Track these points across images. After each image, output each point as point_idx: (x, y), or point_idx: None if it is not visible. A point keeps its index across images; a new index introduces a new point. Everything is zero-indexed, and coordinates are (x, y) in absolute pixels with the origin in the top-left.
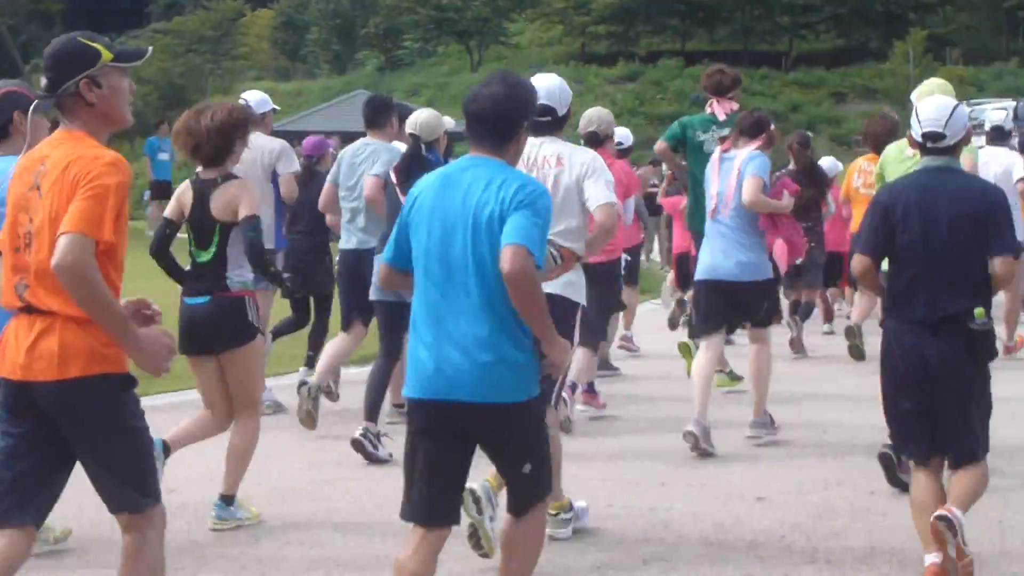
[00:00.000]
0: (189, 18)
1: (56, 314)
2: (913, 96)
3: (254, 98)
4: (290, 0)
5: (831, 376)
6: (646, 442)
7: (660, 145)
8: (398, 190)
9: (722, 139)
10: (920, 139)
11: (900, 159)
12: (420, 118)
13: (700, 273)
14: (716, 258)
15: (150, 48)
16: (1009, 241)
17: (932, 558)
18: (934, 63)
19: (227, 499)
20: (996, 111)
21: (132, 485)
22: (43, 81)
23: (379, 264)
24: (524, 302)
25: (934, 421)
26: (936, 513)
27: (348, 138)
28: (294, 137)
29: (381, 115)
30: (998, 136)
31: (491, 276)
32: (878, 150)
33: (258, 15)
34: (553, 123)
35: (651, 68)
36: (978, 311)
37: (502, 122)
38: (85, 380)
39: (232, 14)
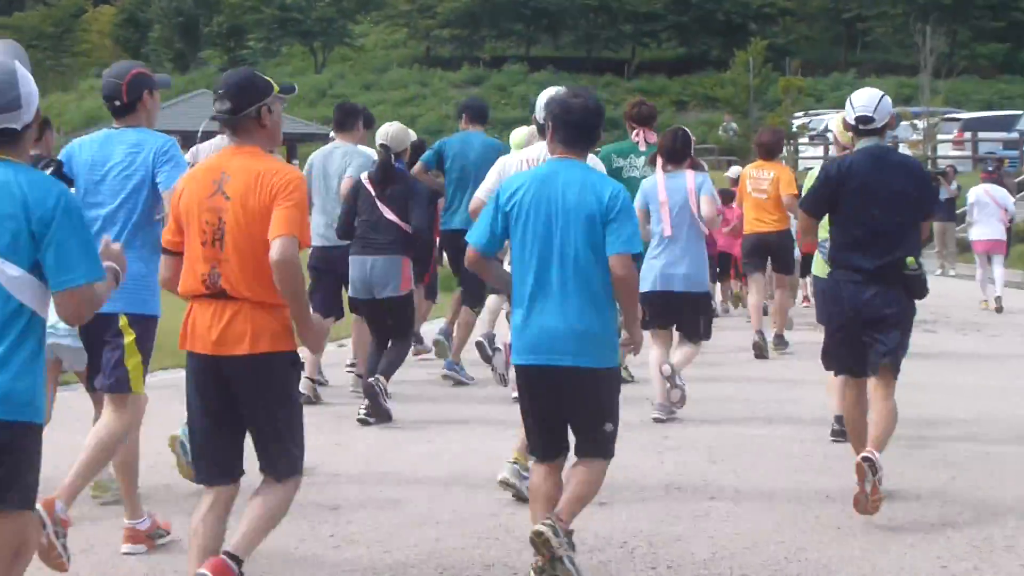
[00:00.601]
0: (30, 14)
1: (246, 299)
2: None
3: None
4: None
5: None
6: (488, 447)
7: None
8: (374, 195)
9: (654, 158)
10: (853, 122)
11: None
12: (390, 131)
13: (651, 285)
14: (670, 270)
15: (295, 85)
16: (933, 207)
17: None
18: (773, 73)
19: None
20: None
21: (290, 452)
22: (224, 104)
23: (469, 248)
24: (627, 298)
25: (869, 347)
26: (862, 455)
27: (189, 137)
28: None
29: (350, 119)
30: None
31: (587, 261)
32: (768, 157)
33: (100, 11)
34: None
35: (495, 73)
36: (909, 260)
37: (593, 130)
38: (271, 355)
39: (73, 10)
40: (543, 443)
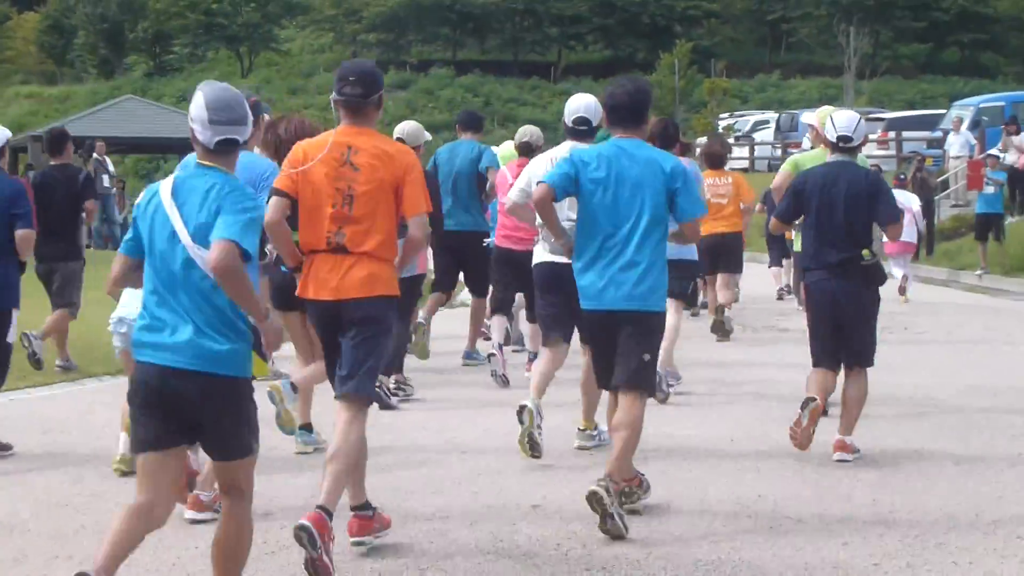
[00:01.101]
0: None
1: (364, 253)
2: (810, 118)
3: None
4: (57, 3)
5: None
6: (423, 452)
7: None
8: None
9: None
10: (835, 140)
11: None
12: (407, 128)
13: None
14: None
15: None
16: (893, 210)
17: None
18: (699, 75)
19: (306, 427)
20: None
21: (373, 377)
22: (355, 89)
23: (542, 185)
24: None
25: (841, 336)
26: (836, 457)
27: (114, 144)
28: None
29: None
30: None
31: (654, 222)
32: (715, 166)
33: (24, 18)
34: (589, 131)
35: (422, 77)
36: (864, 252)
37: (637, 109)
38: (384, 297)
39: None
40: (604, 370)
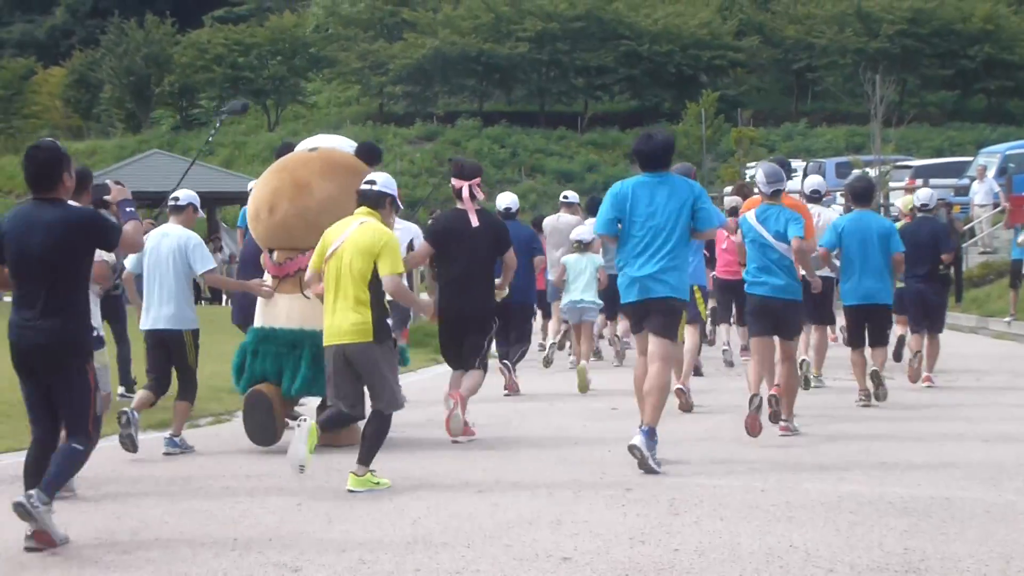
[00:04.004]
0: None
1: None
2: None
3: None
4: (82, 58)
5: (628, 429)
6: (449, 505)
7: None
8: None
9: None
10: (919, 206)
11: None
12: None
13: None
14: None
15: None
16: (949, 247)
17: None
18: (726, 124)
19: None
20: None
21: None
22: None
23: (821, 248)
24: (898, 268)
25: (924, 321)
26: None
27: (141, 197)
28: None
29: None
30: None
31: (881, 253)
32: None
33: (50, 73)
34: (820, 197)
35: (449, 128)
36: (940, 267)
37: (868, 195)
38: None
39: (23, 72)
40: (858, 338)
